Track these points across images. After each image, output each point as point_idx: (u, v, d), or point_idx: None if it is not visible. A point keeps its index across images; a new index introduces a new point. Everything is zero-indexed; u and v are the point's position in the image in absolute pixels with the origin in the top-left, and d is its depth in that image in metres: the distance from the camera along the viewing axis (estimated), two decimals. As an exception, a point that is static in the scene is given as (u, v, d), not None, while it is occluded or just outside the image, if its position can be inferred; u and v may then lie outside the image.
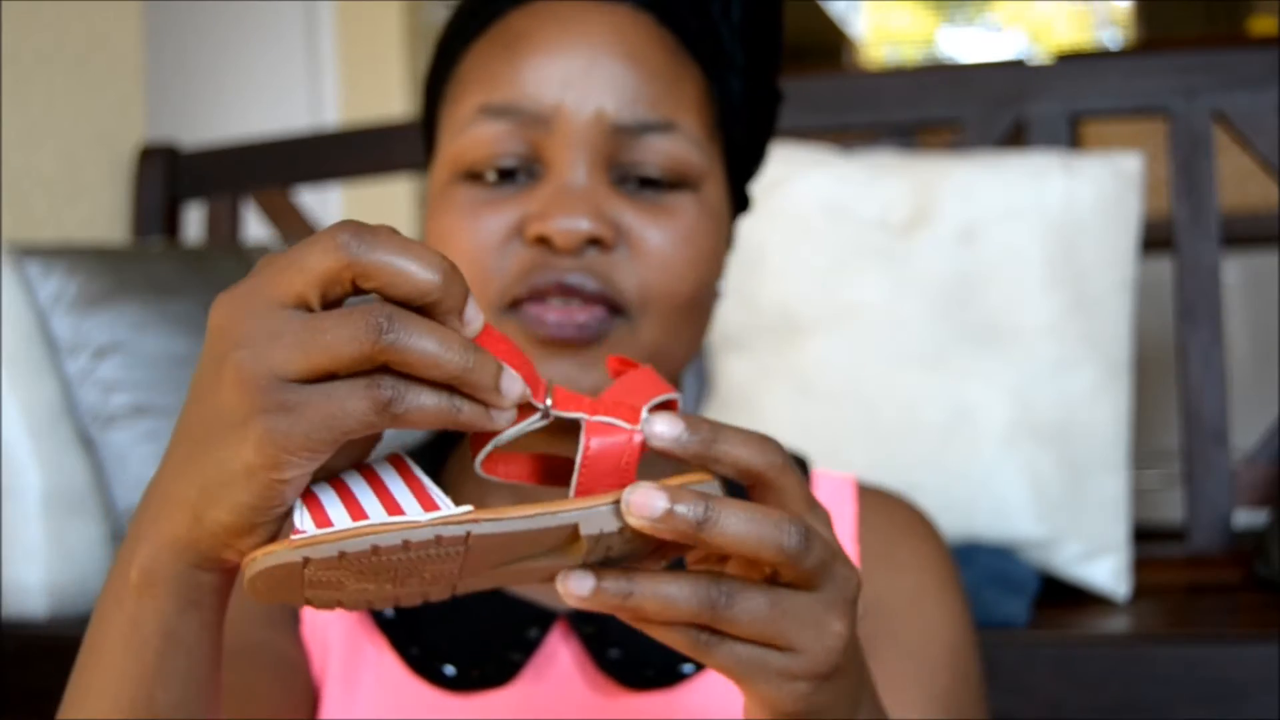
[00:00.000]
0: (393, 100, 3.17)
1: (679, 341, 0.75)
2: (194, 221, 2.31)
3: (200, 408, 0.49)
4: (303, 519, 0.48)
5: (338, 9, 3.13)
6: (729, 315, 1.57)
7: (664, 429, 0.50)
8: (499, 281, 0.73)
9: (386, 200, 3.06)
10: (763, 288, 1.56)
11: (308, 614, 0.77)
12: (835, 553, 0.52)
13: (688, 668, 0.74)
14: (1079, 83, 1.73)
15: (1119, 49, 5.44)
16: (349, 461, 0.51)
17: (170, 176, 2.16)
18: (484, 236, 0.73)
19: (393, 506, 0.48)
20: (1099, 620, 1.40)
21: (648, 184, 0.75)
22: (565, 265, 0.72)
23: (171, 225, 2.16)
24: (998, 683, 1.25)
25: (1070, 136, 1.71)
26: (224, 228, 2.13)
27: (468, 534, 0.48)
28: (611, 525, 0.49)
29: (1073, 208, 1.52)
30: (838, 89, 1.82)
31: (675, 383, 0.78)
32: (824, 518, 0.53)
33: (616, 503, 0.49)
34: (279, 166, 2.11)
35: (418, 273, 0.47)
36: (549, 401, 0.50)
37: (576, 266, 0.72)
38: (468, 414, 0.48)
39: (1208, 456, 1.60)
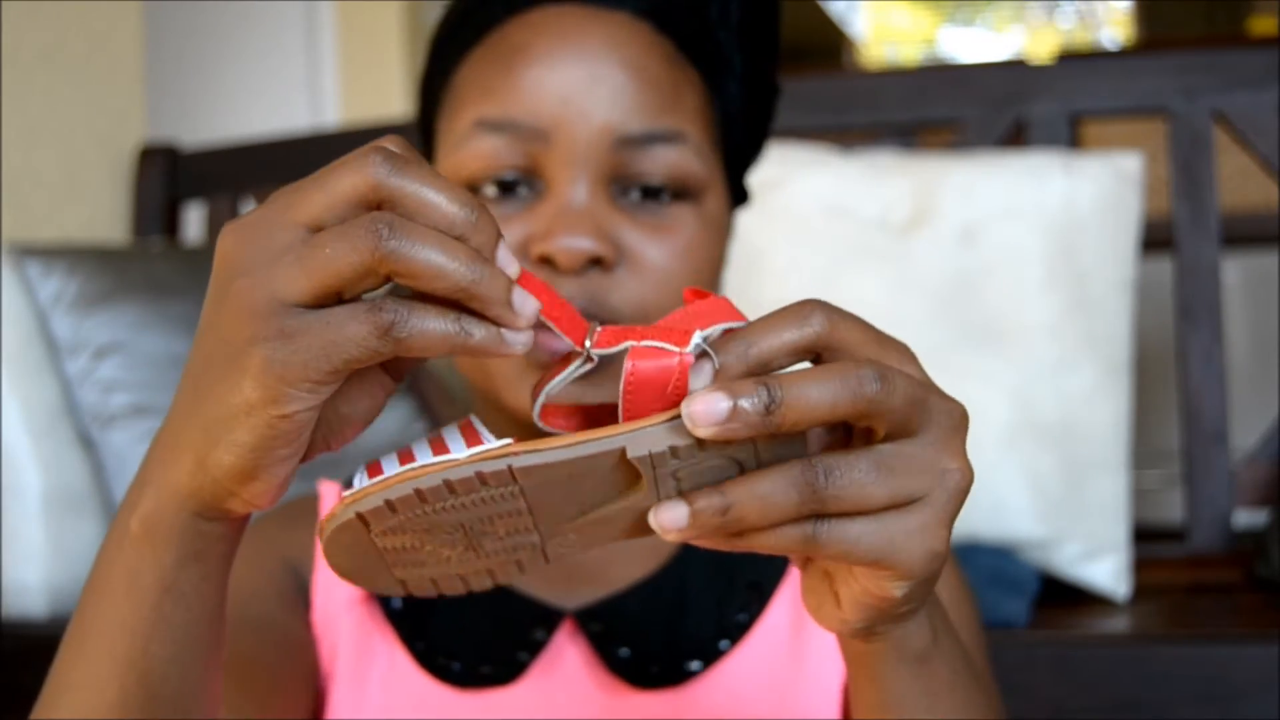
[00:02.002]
0: (393, 100, 3.17)
1: None
2: (194, 221, 2.31)
3: (203, 344, 0.47)
4: (360, 479, 0.47)
5: (338, 9, 3.13)
6: (729, 315, 1.57)
7: (704, 409, 0.45)
8: None
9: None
10: (763, 288, 1.56)
11: (319, 602, 0.77)
12: (925, 385, 0.48)
13: (695, 665, 0.74)
14: (1079, 83, 1.73)
15: (1119, 49, 5.44)
16: (366, 406, 0.50)
17: (170, 176, 2.16)
18: None
19: (441, 450, 0.47)
20: (1099, 620, 1.40)
21: (650, 195, 0.74)
22: (568, 288, 0.71)
23: (171, 225, 2.16)
24: (998, 683, 1.25)
25: (1070, 136, 1.71)
26: (224, 228, 2.13)
27: (509, 467, 0.45)
28: (660, 445, 0.46)
29: (1073, 208, 1.52)
30: (838, 89, 1.82)
31: None
32: (903, 353, 0.49)
33: (666, 422, 0.46)
34: (279, 166, 2.11)
35: (447, 205, 0.45)
36: (589, 345, 0.48)
37: (578, 288, 0.72)
38: (479, 337, 0.45)
39: (1208, 456, 1.60)
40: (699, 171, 0.75)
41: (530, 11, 0.76)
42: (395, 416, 1.82)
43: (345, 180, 0.46)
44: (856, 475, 0.46)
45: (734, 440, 0.46)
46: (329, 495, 0.83)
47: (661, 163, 0.74)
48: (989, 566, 1.40)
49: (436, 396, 1.96)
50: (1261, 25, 5.05)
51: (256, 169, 2.13)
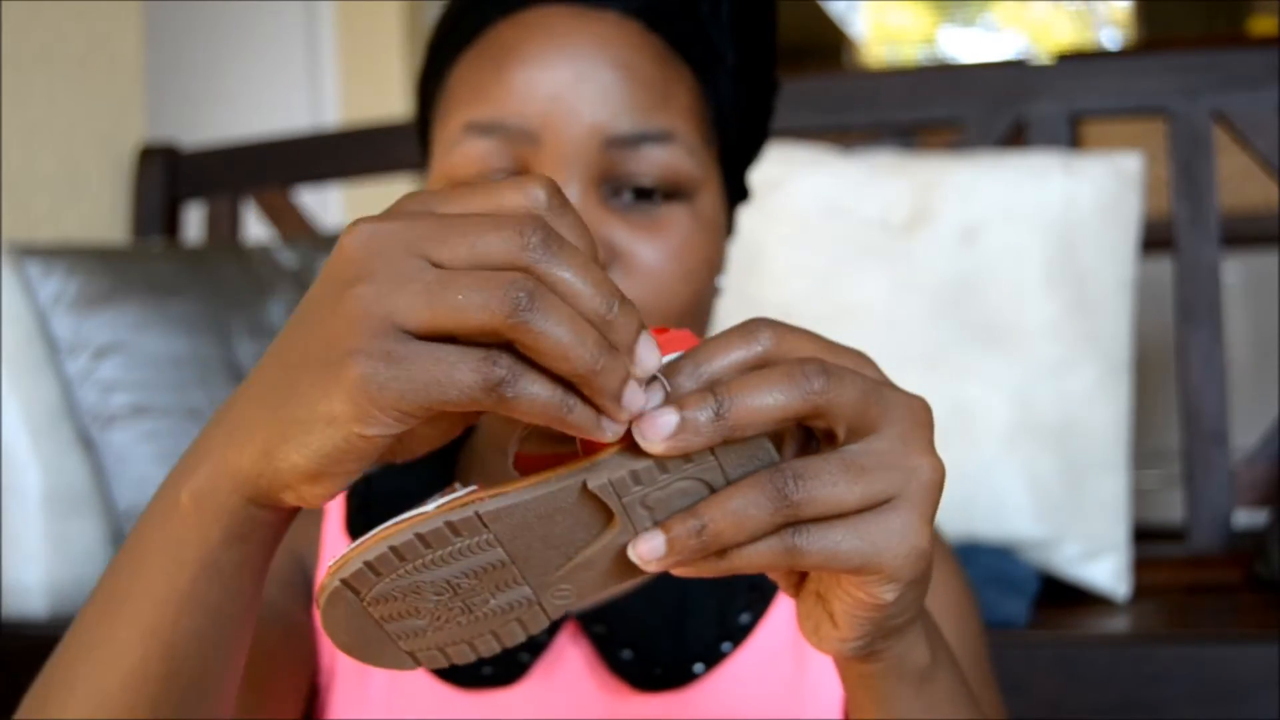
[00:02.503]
0: (393, 100, 3.17)
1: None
2: (194, 221, 2.31)
3: (301, 334, 0.46)
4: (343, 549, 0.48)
5: (338, 9, 3.13)
6: (729, 315, 1.56)
7: (653, 423, 0.46)
8: None
9: (387, 200, 3.05)
10: (763, 288, 1.56)
11: None
12: (879, 382, 0.48)
13: (698, 668, 0.74)
14: (1079, 83, 1.73)
15: (1119, 49, 5.44)
16: (443, 431, 0.49)
17: (170, 176, 2.16)
18: None
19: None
20: (1099, 620, 1.40)
21: (641, 196, 0.74)
22: None
23: (171, 225, 2.16)
24: (998, 683, 1.25)
25: (1070, 136, 1.71)
26: (224, 228, 2.13)
27: (477, 514, 0.45)
28: (619, 470, 0.46)
29: (1073, 208, 1.52)
30: (838, 89, 1.82)
31: None
32: (857, 358, 0.49)
33: (621, 449, 0.46)
34: (279, 166, 2.11)
35: (591, 297, 0.45)
36: None
37: None
38: (578, 417, 0.45)
39: (1208, 456, 1.60)
40: (691, 170, 0.74)
41: (520, 12, 0.75)
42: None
43: (496, 246, 0.44)
44: (827, 478, 0.46)
45: (692, 455, 0.46)
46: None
47: (652, 162, 0.73)
48: (989, 566, 1.40)
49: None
50: (1261, 25, 5.05)
51: (256, 169, 2.13)
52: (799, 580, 0.53)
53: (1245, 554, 1.54)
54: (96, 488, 1.66)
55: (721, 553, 0.47)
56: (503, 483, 0.47)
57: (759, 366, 0.47)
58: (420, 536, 0.45)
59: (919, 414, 0.49)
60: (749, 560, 0.47)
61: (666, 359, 0.47)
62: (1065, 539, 1.46)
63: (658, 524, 0.47)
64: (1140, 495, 1.85)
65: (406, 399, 0.43)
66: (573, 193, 0.72)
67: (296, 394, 0.45)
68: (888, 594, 0.48)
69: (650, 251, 0.73)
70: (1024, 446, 1.46)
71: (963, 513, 1.45)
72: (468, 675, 0.74)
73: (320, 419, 0.45)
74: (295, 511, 0.51)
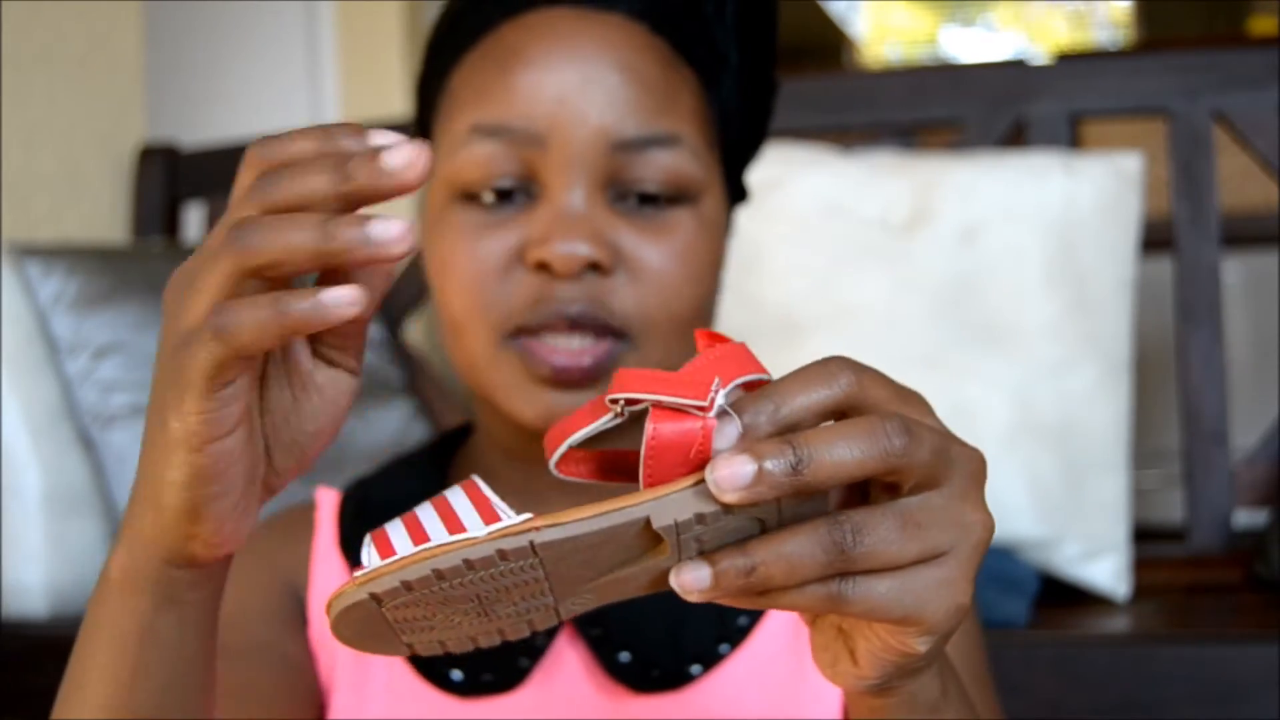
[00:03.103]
0: (393, 100, 3.17)
1: (682, 359, 0.75)
2: (194, 221, 2.31)
3: (153, 394, 0.50)
4: (369, 555, 0.46)
5: (338, 9, 3.13)
6: (729, 315, 1.57)
7: (729, 473, 0.44)
8: (501, 308, 0.73)
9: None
10: (762, 288, 1.56)
11: (315, 617, 0.77)
12: (945, 435, 0.47)
13: (696, 669, 0.74)
14: (1079, 83, 1.73)
15: (1119, 49, 5.44)
16: (330, 416, 0.52)
17: (170, 176, 2.16)
18: (484, 262, 0.73)
19: (455, 525, 0.46)
20: (1099, 620, 1.40)
21: (646, 200, 0.74)
22: (566, 294, 0.71)
23: (171, 225, 2.16)
24: (998, 683, 1.25)
25: (1070, 136, 1.71)
26: (224, 228, 2.13)
27: (531, 544, 0.45)
28: (686, 513, 0.44)
29: (1073, 208, 1.52)
30: (838, 89, 1.82)
31: None
32: (922, 405, 0.48)
33: (691, 487, 0.44)
34: (279, 166, 2.11)
35: (302, 143, 0.49)
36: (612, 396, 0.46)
37: (576, 294, 0.71)
38: (297, 312, 0.46)
39: (1208, 456, 1.60)
40: (696, 174, 0.74)
41: (524, 14, 0.75)
42: (395, 417, 1.82)
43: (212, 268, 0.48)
44: (884, 533, 0.45)
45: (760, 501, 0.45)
46: (326, 502, 0.82)
47: (658, 166, 0.73)
48: (989, 566, 1.40)
49: (436, 397, 1.96)
50: (1261, 25, 5.05)
51: (256, 169, 2.13)
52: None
53: (1245, 554, 1.54)
54: (96, 488, 1.66)
55: (764, 591, 0.46)
56: (556, 509, 0.46)
57: (838, 409, 0.47)
58: (468, 561, 0.45)
59: (977, 469, 0.49)
60: (791, 602, 0.46)
61: (731, 387, 0.45)
62: (1065, 539, 1.46)
63: (704, 554, 0.46)
64: (1140, 495, 1.85)
65: (187, 394, 0.47)
66: (578, 196, 0.72)
67: (149, 443, 0.49)
68: (921, 645, 0.48)
69: (656, 255, 0.73)
70: (1024, 446, 1.46)
71: (963, 513, 1.45)
72: (467, 683, 0.74)
73: (165, 451, 0.48)
74: (224, 565, 0.53)
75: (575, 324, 0.72)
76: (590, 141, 0.72)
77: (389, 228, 0.46)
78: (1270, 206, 2.13)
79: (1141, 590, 1.50)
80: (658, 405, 0.45)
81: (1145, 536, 1.62)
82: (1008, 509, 1.45)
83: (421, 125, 0.81)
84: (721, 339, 0.48)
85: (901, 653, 0.48)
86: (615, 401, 0.45)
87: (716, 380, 0.45)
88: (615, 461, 0.50)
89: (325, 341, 0.52)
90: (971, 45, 8.06)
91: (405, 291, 1.99)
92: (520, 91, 0.73)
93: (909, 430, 0.45)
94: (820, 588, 0.46)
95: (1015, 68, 1.82)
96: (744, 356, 0.47)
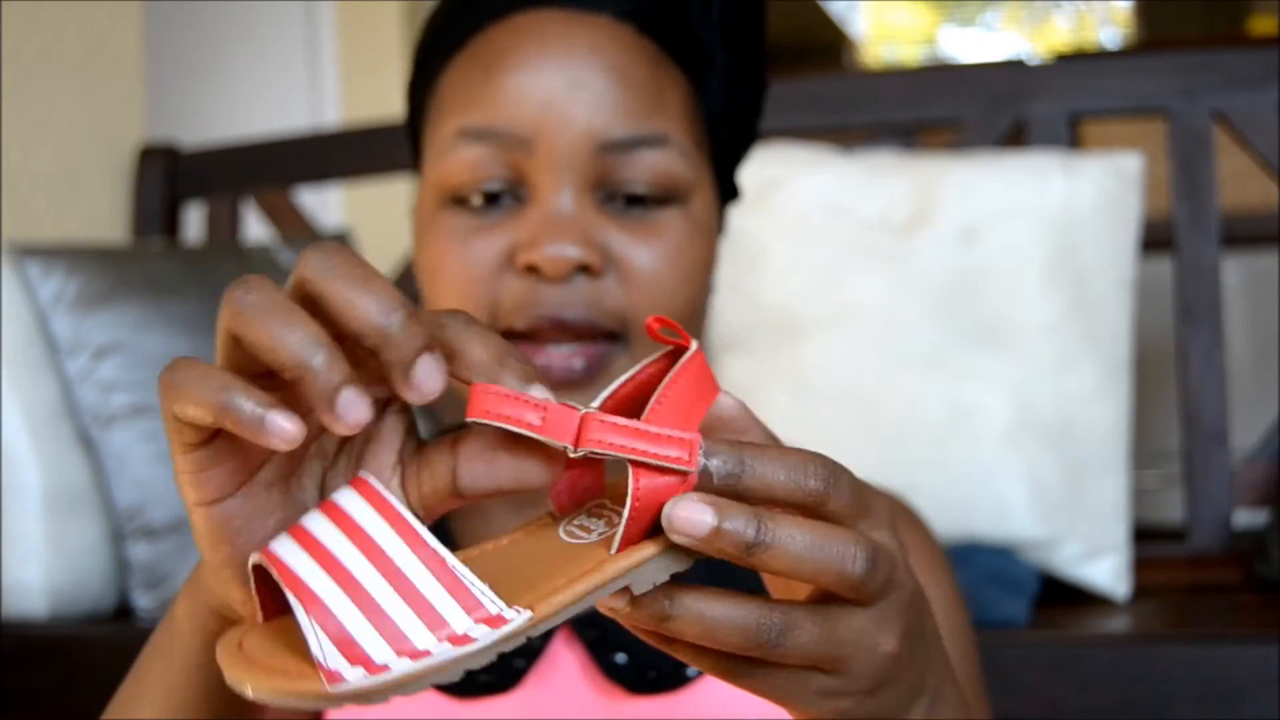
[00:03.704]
0: (393, 100, 3.17)
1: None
2: (194, 221, 2.31)
3: None
4: (324, 649, 0.42)
5: (338, 9, 3.13)
6: (729, 315, 1.57)
7: (686, 517, 0.43)
8: (492, 312, 0.73)
9: (386, 200, 3.06)
10: (763, 288, 1.56)
11: None
12: (895, 562, 0.47)
13: (692, 671, 0.74)
14: (1079, 83, 1.73)
15: (1119, 49, 5.44)
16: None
17: (170, 176, 2.16)
18: (474, 266, 0.73)
19: (436, 622, 0.42)
20: (1099, 620, 1.40)
21: (635, 201, 0.73)
22: (556, 297, 0.71)
23: (171, 225, 2.16)
24: (998, 683, 1.25)
25: (1070, 136, 1.71)
26: (224, 228, 2.13)
27: (526, 637, 0.43)
28: (663, 576, 0.44)
29: (1073, 208, 1.52)
30: (838, 89, 1.82)
31: None
32: (882, 516, 0.48)
33: (665, 551, 0.44)
34: (279, 166, 2.11)
35: (363, 306, 0.43)
36: (577, 445, 0.44)
37: (567, 297, 0.71)
38: (244, 415, 0.42)
39: (1208, 456, 1.60)
40: (684, 174, 0.74)
41: (511, 17, 0.75)
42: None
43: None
44: (804, 637, 0.45)
45: None
46: None
47: (646, 167, 0.73)
48: (989, 566, 1.40)
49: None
50: (1261, 25, 5.05)
51: (256, 169, 2.13)
52: None
53: (1245, 554, 1.54)
54: (96, 488, 1.66)
55: (669, 639, 0.47)
56: (547, 586, 0.44)
57: (798, 505, 0.45)
58: (469, 671, 0.42)
59: (905, 598, 0.48)
60: (686, 655, 0.47)
61: (706, 442, 0.44)
62: (1065, 539, 1.46)
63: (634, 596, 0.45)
64: (1140, 495, 1.85)
65: (175, 450, 0.45)
66: (567, 198, 0.72)
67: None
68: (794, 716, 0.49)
69: (647, 256, 0.73)
70: (1024, 446, 1.46)
71: (963, 513, 1.45)
72: (464, 684, 0.73)
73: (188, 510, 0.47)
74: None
75: (566, 327, 0.72)
76: (578, 143, 0.72)
77: (283, 426, 0.42)
78: (1270, 206, 2.13)
79: (1141, 590, 1.50)
80: (638, 465, 0.44)
81: (1145, 536, 1.62)
82: (1008, 509, 1.45)
83: (412, 130, 0.81)
84: (671, 325, 0.47)
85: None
86: (581, 451, 0.44)
87: (702, 443, 0.44)
88: (583, 471, 0.49)
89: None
90: (971, 45, 8.05)
91: (405, 292, 1.99)
92: (507, 94, 0.73)
93: (872, 560, 0.45)
94: (721, 660, 0.47)
95: (1015, 68, 1.82)
96: (705, 377, 0.46)
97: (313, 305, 0.44)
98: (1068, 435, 1.47)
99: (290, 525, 0.46)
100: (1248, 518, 1.69)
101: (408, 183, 3.21)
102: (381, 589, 0.43)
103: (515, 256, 0.72)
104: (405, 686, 0.41)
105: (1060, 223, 1.52)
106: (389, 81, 3.21)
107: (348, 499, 0.45)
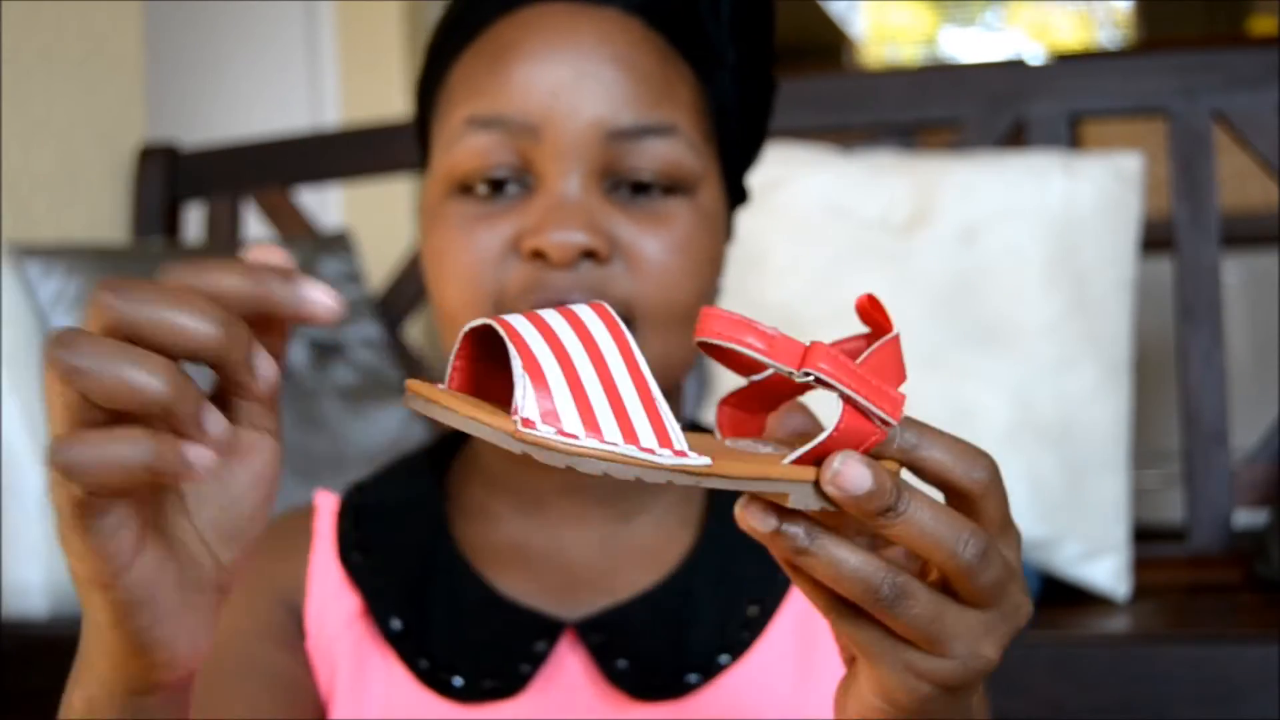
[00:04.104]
0: (393, 100, 3.17)
1: (681, 349, 0.74)
2: (194, 221, 2.31)
3: None
4: (525, 400, 0.44)
5: (338, 9, 3.13)
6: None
7: (851, 474, 0.47)
8: (497, 297, 0.72)
9: (386, 200, 3.06)
10: (763, 288, 1.56)
11: (313, 629, 0.76)
12: (1013, 576, 0.50)
13: (693, 678, 0.74)
14: (1079, 83, 1.73)
15: (1119, 49, 5.44)
16: (251, 503, 0.50)
17: (170, 176, 2.16)
18: (480, 252, 0.73)
19: (629, 432, 0.45)
20: (1099, 620, 1.40)
21: (641, 189, 0.73)
22: (562, 282, 0.71)
23: (171, 225, 2.16)
24: (998, 683, 1.25)
25: (1070, 136, 1.71)
26: (224, 228, 2.13)
27: (699, 483, 0.46)
28: (814, 504, 0.47)
29: (1073, 208, 1.52)
30: (838, 89, 1.82)
31: (677, 388, 0.78)
32: (1015, 540, 0.51)
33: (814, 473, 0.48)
34: (279, 166, 2.11)
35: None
36: (811, 370, 0.47)
37: (573, 282, 0.71)
38: (156, 461, 0.43)
39: (1208, 456, 1.60)
40: (692, 164, 0.74)
41: (520, 10, 0.75)
42: (395, 417, 1.82)
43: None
44: (918, 611, 0.48)
45: None
46: (325, 508, 0.81)
47: (653, 156, 0.73)
48: (989, 566, 1.40)
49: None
50: (1261, 25, 5.05)
51: (256, 169, 2.13)
52: (851, 655, 0.55)
53: (1245, 554, 1.55)
54: (96, 488, 1.66)
55: (796, 569, 0.50)
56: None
57: (956, 490, 0.50)
58: (638, 479, 0.45)
59: (1018, 619, 0.51)
60: (809, 592, 0.50)
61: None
62: (1065, 539, 1.46)
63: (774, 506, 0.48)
64: (1140, 495, 1.85)
65: (63, 526, 0.45)
66: (573, 185, 0.72)
67: (75, 583, 0.47)
68: (877, 700, 0.51)
69: (654, 245, 0.73)
70: (1024, 446, 1.46)
71: (963, 513, 1.45)
72: (468, 689, 0.73)
73: (80, 585, 0.46)
74: (190, 679, 0.51)
75: None
76: (585, 131, 0.72)
77: (202, 455, 0.44)
78: (1270, 206, 2.13)
79: (1141, 590, 1.50)
80: (850, 402, 0.47)
81: (1145, 536, 1.62)
82: (1008, 509, 1.45)
83: (420, 126, 0.81)
84: (880, 309, 0.50)
85: (870, 710, 0.52)
86: (809, 375, 0.47)
87: (904, 404, 0.48)
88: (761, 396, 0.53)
89: (239, 404, 0.50)
90: (971, 45, 8.06)
91: (405, 292, 1.99)
92: (515, 83, 0.73)
93: (985, 554, 0.48)
94: (831, 600, 0.50)
95: (1015, 68, 1.82)
96: (900, 360, 0.50)
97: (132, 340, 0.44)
98: (1068, 435, 1.47)
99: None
100: (1248, 518, 1.69)
101: (407, 183, 3.21)
102: (594, 385, 0.45)
103: (521, 242, 0.72)
104: (584, 461, 0.44)
105: (1060, 223, 1.52)
106: (389, 81, 3.21)
107: (586, 314, 0.48)
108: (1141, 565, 1.54)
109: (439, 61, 0.79)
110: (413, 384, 0.46)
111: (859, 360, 0.48)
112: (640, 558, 0.77)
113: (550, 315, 0.47)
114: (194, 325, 0.44)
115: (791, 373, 0.47)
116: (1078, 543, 1.46)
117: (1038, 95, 1.72)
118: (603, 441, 0.44)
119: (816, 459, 0.47)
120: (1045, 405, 1.47)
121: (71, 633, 0.56)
